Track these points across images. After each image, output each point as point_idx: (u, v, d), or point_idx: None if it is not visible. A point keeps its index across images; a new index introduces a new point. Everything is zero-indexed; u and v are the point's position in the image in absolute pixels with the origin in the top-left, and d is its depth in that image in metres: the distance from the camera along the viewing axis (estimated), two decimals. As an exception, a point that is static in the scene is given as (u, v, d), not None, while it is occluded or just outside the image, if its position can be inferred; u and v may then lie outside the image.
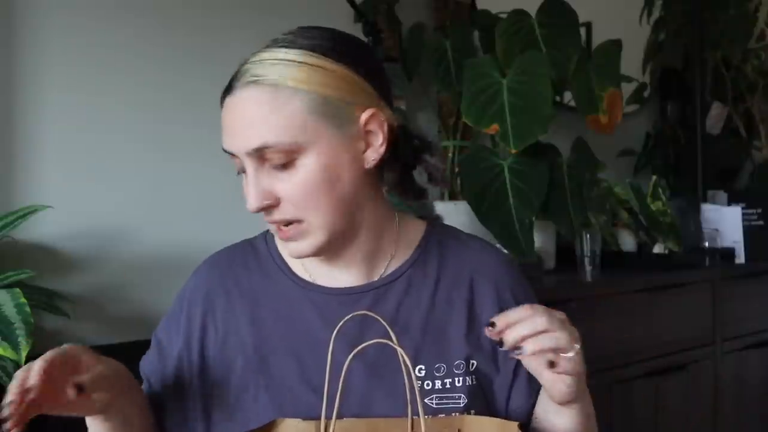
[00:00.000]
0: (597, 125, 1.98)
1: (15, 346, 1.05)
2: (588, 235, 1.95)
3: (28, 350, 1.05)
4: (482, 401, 0.85)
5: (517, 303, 0.83)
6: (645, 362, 1.86)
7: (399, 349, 0.73)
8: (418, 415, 0.73)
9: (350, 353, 0.72)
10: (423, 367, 0.82)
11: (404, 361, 0.72)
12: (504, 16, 1.98)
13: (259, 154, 0.76)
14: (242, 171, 0.80)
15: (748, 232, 2.33)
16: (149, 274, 1.58)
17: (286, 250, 0.85)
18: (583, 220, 1.95)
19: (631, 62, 2.60)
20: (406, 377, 0.74)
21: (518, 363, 0.84)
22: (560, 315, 0.75)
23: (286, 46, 0.78)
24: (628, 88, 2.60)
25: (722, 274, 2.11)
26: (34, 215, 1.32)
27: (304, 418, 0.76)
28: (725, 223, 2.34)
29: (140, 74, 1.61)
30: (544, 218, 1.95)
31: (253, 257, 0.90)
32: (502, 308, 0.83)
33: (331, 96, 0.77)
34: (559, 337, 0.71)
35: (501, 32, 1.92)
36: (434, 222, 0.94)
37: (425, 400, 0.80)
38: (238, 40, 1.77)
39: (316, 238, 0.79)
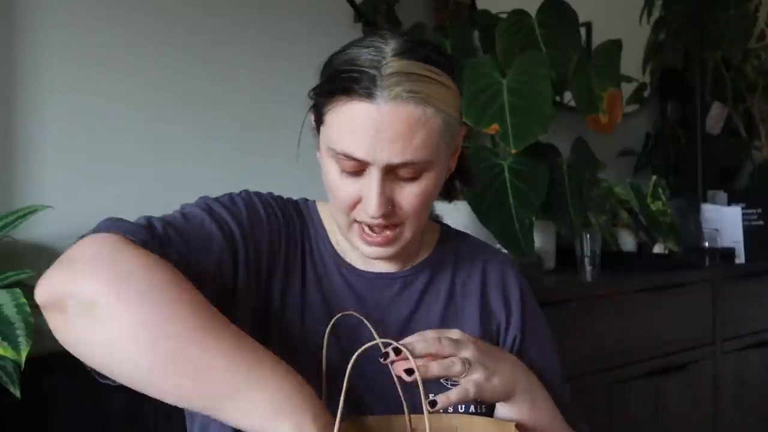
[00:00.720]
0: (597, 125, 1.98)
1: (15, 346, 1.05)
2: (588, 235, 1.95)
3: (28, 350, 1.05)
4: None
5: (522, 300, 0.94)
6: (645, 362, 1.86)
7: (395, 349, 0.73)
8: (417, 412, 0.73)
9: (396, 337, 0.75)
10: None
11: (412, 361, 0.71)
12: (504, 16, 1.98)
13: (394, 167, 0.78)
14: (348, 173, 0.79)
15: (748, 232, 2.33)
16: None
17: (363, 249, 0.84)
18: (583, 220, 1.95)
19: (631, 62, 2.60)
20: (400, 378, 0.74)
21: (535, 357, 0.92)
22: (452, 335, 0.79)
23: (418, 59, 0.78)
24: (628, 88, 2.60)
25: (722, 274, 2.12)
26: (34, 215, 1.32)
27: None
28: (725, 223, 2.34)
29: (140, 74, 1.61)
30: (544, 218, 1.95)
31: (307, 217, 0.92)
32: (507, 306, 0.93)
33: (454, 117, 0.81)
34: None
35: (501, 32, 1.92)
36: (443, 224, 1.00)
37: (441, 379, 0.83)
38: (239, 39, 1.78)
39: (399, 244, 0.84)
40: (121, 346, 0.64)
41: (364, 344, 0.70)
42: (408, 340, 0.74)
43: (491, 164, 1.81)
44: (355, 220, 0.82)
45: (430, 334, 0.77)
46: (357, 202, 0.81)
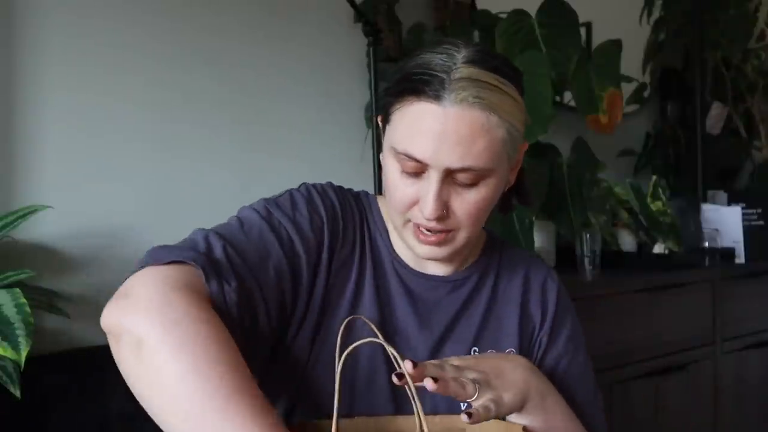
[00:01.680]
0: (597, 125, 1.98)
1: (15, 346, 1.05)
2: (588, 235, 1.95)
3: (28, 350, 1.05)
4: None
5: (557, 305, 0.97)
6: (645, 362, 1.86)
7: (395, 353, 0.73)
8: (424, 414, 0.73)
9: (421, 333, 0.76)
10: (477, 349, 0.91)
11: (395, 359, 0.71)
12: (504, 16, 1.98)
13: (453, 172, 0.78)
14: (408, 173, 0.80)
15: (748, 232, 2.33)
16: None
17: (417, 248, 0.85)
18: (583, 220, 1.95)
19: (631, 62, 2.60)
20: (408, 379, 0.74)
21: (552, 364, 0.94)
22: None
23: (488, 69, 0.79)
24: (628, 88, 2.60)
25: (722, 274, 2.11)
26: (34, 215, 1.32)
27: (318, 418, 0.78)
28: (725, 223, 2.34)
29: (141, 74, 1.61)
30: (544, 218, 1.95)
31: (366, 211, 0.92)
32: (543, 310, 0.95)
33: (518, 129, 0.81)
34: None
35: (501, 32, 1.92)
36: (489, 230, 1.01)
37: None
38: (240, 39, 1.78)
39: (454, 247, 0.84)
40: (155, 387, 0.66)
41: (390, 348, 0.70)
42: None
43: (491, 164, 1.81)
44: (410, 220, 0.83)
45: (434, 362, 0.76)
46: (414, 203, 0.81)
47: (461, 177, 0.79)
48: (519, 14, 1.96)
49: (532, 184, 1.79)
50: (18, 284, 1.21)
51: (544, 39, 1.92)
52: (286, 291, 0.80)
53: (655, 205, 2.16)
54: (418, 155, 0.77)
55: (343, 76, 1.94)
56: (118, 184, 1.58)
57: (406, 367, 0.69)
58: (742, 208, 2.37)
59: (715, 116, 2.85)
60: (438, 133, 0.76)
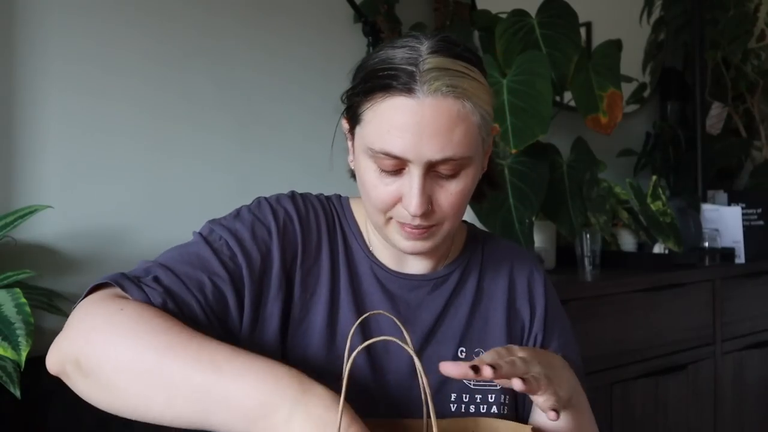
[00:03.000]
0: (597, 125, 1.98)
1: (15, 346, 1.05)
2: (588, 235, 1.95)
3: (28, 350, 1.05)
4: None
5: (546, 297, 0.95)
6: (645, 362, 1.86)
7: (413, 352, 0.72)
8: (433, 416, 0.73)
9: (402, 335, 0.74)
10: (464, 349, 0.89)
11: (416, 361, 0.71)
12: (504, 16, 1.98)
13: (434, 164, 0.77)
14: (388, 172, 0.78)
15: (748, 232, 2.33)
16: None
17: (401, 244, 0.83)
18: (583, 220, 1.95)
19: (631, 62, 2.60)
20: (420, 379, 0.74)
21: None
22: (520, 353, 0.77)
23: (454, 56, 0.78)
24: (628, 88, 2.60)
25: (722, 274, 2.11)
26: (34, 215, 1.32)
27: None
28: (725, 223, 2.34)
29: (140, 74, 1.61)
30: (544, 218, 1.95)
31: (337, 215, 0.91)
32: (532, 305, 0.94)
33: (489, 113, 0.81)
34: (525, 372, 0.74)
35: (501, 32, 1.92)
36: (469, 224, 1.00)
37: (464, 380, 0.86)
38: (239, 39, 1.78)
39: (437, 239, 0.83)
40: (111, 389, 0.67)
41: (390, 346, 0.70)
42: (486, 358, 0.71)
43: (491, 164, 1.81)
44: (392, 218, 0.81)
45: (502, 352, 0.74)
46: (395, 202, 0.80)
47: (442, 169, 0.77)
48: (519, 14, 1.96)
49: (532, 184, 1.80)
50: (18, 284, 1.21)
51: (544, 39, 1.92)
52: (228, 300, 0.78)
53: (655, 205, 2.16)
54: (398, 152, 0.75)
55: (342, 76, 1.93)
56: (117, 184, 1.58)
57: (485, 373, 0.67)
58: (742, 208, 2.37)
59: (715, 116, 2.85)
60: (415, 127, 0.74)
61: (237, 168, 1.76)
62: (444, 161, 0.76)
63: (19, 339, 1.06)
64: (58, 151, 1.50)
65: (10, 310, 1.10)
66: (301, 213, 0.87)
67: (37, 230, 1.46)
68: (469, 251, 0.95)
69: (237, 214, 0.86)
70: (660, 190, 2.20)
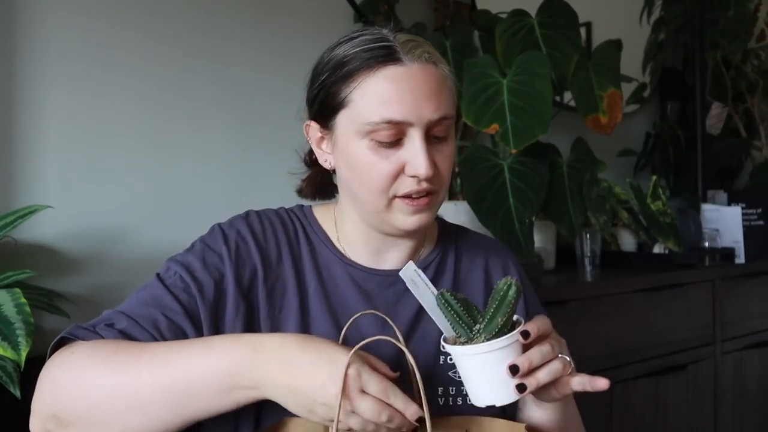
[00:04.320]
0: (597, 125, 1.98)
1: (15, 346, 1.05)
2: (588, 235, 1.95)
3: (28, 350, 1.05)
4: None
5: (525, 291, 0.94)
6: (645, 362, 1.86)
7: (407, 351, 0.73)
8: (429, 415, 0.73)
9: (383, 334, 0.75)
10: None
11: (410, 361, 0.72)
12: (504, 16, 1.98)
13: (432, 125, 0.80)
14: (386, 144, 0.80)
15: (748, 232, 2.33)
16: (149, 274, 1.57)
17: (406, 222, 0.83)
18: (583, 220, 1.95)
19: (631, 62, 2.60)
20: (416, 377, 0.74)
21: None
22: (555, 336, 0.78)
23: (414, 34, 0.83)
24: (628, 88, 2.60)
25: (722, 274, 2.11)
26: (34, 215, 1.32)
27: None
28: (725, 223, 2.34)
29: (140, 74, 1.61)
30: (544, 218, 1.95)
31: (299, 225, 0.92)
32: None
33: (455, 83, 0.86)
34: (564, 364, 0.74)
35: (501, 32, 1.92)
36: (440, 218, 1.01)
37: (449, 373, 0.86)
38: (239, 39, 1.78)
39: (433, 213, 0.86)
40: (95, 426, 0.71)
41: (372, 345, 0.70)
42: (532, 329, 0.72)
43: (491, 164, 1.81)
44: (395, 196, 0.82)
45: (546, 322, 0.75)
46: (398, 174, 0.80)
47: (437, 131, 0.81)
48: (519, 14, 1.96)
49: (532, 184, 1.79)
50: (18, 284, 1.21)
51: (544, 39, 1.92)
52: (186, 331, 0.79)
53: (655, 205, 2.16)
54: (401, 116, 0.78)
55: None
56: (117, 184, 1.58)
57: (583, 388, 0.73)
58: (742, 208, 2.37)
59: (715, 116, 2.85)
60: (411, 91, 0.79)
61: (237, 168, 1.76)
62: (439, 121, 0.80)
63: (19, 339, 1.06)
64: (58, 151, 1.50)
65: (10, 310, 1.10)
66: (256, 231, 0.87)
67: (37, 230, 1.46)
68: (443, 243, 0.96)
69: (191, 246, 0.87)
70: (660, 190, 2.20)
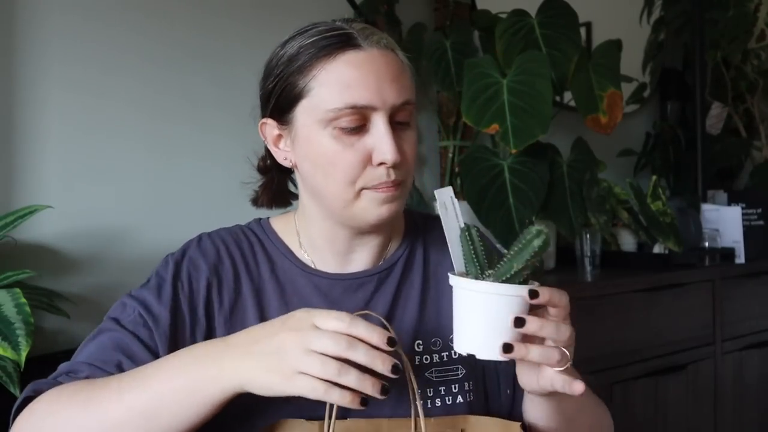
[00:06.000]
0: (597, 125, 1.98)
1: (15, 346, 1.05)
2: (588, 235, 1.95)
3: (28, 350, 1.05)
4: (479, 371, 0.88)
5: None
6: (645, 362, 1.86)
7: (401, 352, 0.72)
8: (421, 416, 0.73)
9: None
10: (421, 342, 0.86)
11: (403, 359, 0.72)
12: (504, 16, 1.98)
13: (395, 110, 0.79)
14: (350, 131, 0.78)
15: (748, 232, 2.33)
16: (149, 274, 1.58)
17: (376, 212, 0.81)
18: (583, 220, 1.95)
19: (631, 62, 2.60)
20: (408, 377, 0.74)
21: None
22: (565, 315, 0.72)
23: (369, 25, 0.85)
24: (628, 88, 2.60)
25: (722, 274, 2.11)
26: (34, 215, 1.32)
27: (308, 418, 0.76)
28: (725, 223, 2.33)
29: (140, 74, 1.61)
30: (544, 218, 1.95)
31: (256, 240, 0.90)
32: None
33: (414, 73, 0.85)
34: (561, 356, 0.69)
35: (501, 32, 1.92)
36: (407, 210, 0.97)
37: (425, 374, 0.84)
38: (238, 39, 1.78)
39: (402, 202, 0.84)
40: None
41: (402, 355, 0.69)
42: (543, 294, 0.68)
43: (491, 164, 1.81)
44: (363, 188, 0.80)
45: (563, 297, 0.70)
46: (364, 164, 0.78)
47: (400, 116, 0.80)
48: (519, 14, 1.96)
49: (532, 184, 1.79)
50: (18, 284, 1.21)
51: (544, 39, 1.92)
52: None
53: (655, 205, 2.16)
54: (365, 101, 0.77)
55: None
56: (117, 184, 1.58)
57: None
58: (742, 208, 2.37)
59: (715, 116, 2.85)
60: (374, 75, 0.78)
61: (237, 168, 1.76)
62: (402, 106, 0.80)
63: (19, 339, 1.06)
64: (58, 151, 1.50)
65: (10, 310, 1.10)
66: (209, 255, 0.86)
67: (37, 230, 1.46)
68: (411, 237, 0.92)
69: (147, 280, 0.86)
70: (660, 190, 2.20)
